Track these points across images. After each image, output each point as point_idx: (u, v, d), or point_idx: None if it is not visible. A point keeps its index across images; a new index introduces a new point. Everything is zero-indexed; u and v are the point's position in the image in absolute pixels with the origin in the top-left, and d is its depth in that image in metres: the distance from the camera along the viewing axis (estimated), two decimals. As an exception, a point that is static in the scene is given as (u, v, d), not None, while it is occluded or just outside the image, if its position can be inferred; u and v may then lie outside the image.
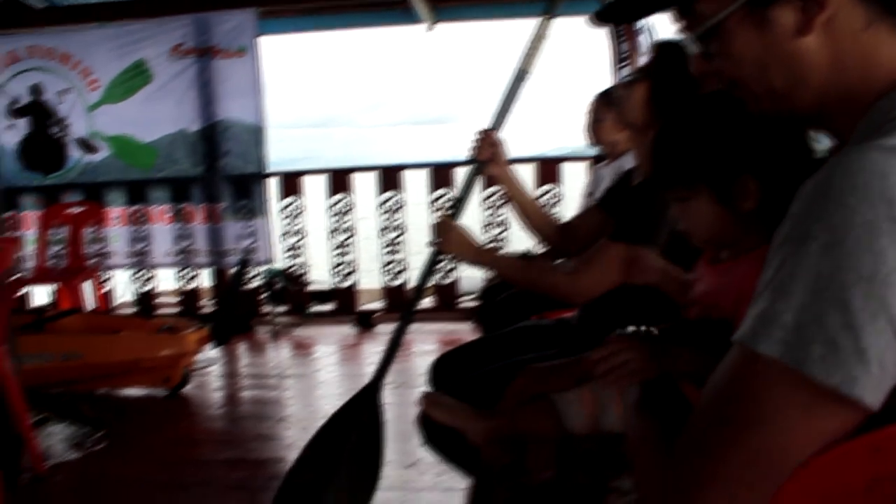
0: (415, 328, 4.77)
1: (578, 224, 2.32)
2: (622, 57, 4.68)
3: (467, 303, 4.90)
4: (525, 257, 2.92)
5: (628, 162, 2.69)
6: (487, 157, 2.07)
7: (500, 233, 5.02)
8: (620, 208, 1.95)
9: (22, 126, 5.48)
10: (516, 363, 1.65)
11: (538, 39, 2.05)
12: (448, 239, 1.92)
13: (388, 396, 1.98)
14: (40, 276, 5.11)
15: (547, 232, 2.31)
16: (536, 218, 2.30)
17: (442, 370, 2.06)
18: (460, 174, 4.94)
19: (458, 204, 2.03)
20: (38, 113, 5.45)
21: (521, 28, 3.42)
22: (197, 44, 5.01)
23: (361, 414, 1.88)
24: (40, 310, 4.29)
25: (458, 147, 2.82)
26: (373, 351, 4.58)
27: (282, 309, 5.17)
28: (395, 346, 1.98)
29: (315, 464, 1.83)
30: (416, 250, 5.05)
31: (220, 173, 5.10)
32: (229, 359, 4.42)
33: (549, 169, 4.93)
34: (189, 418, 3.57)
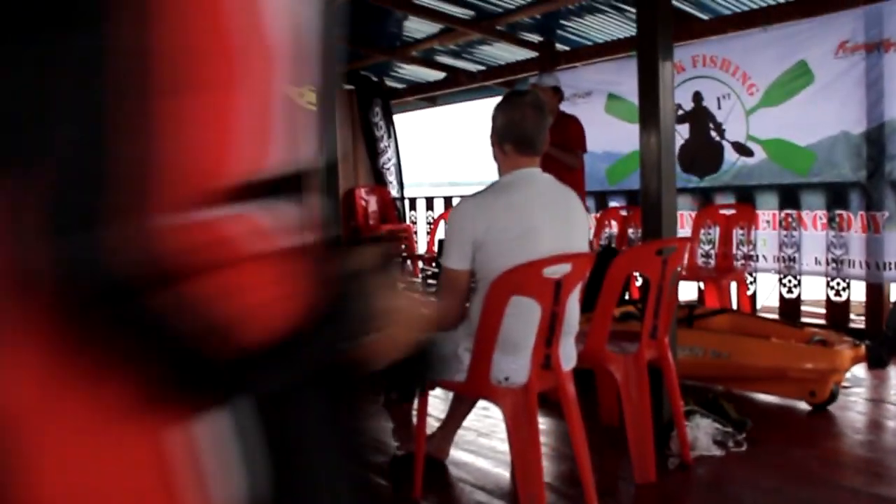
0: None
1: None
2: None
3: None
4: None
5: None
6: None
7: None
8: None
9: (682, 132, 5.87)
10: None
11: None
12: None
13: None
14: (691, 273, 5.41)
15: None
16: None
17: None
18: None
19: None
20: (698, 119, 5.76)
21: None
22: (866, 39, 4.65)
23: None
24: (691, 305, 4.51)
25: None
26: None
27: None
28: None
29: None
30: None
31: (885, 179, 4.65)
32: (879, 382, 4.02)
33: None
34: (832, 438, 3.33)
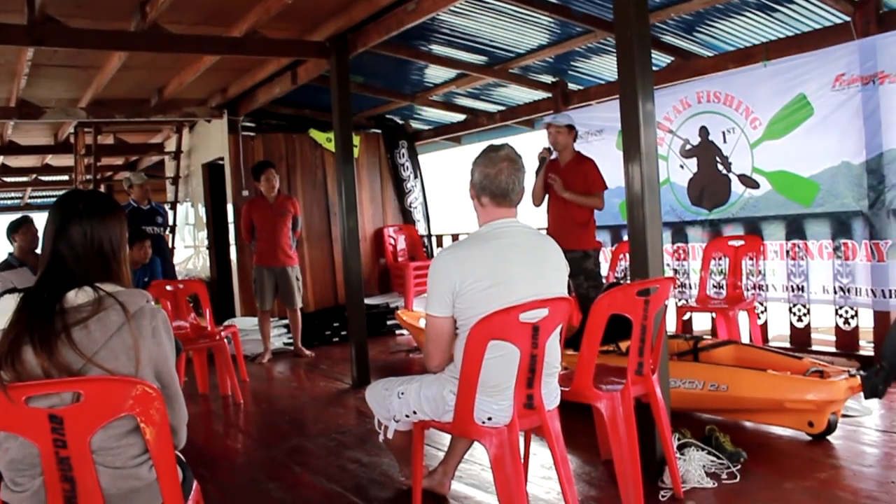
0: None
1: None
2: None
3: None
4: None
5: None
6: None
7: None
8: None
9: (691, 166, 5.97)
10: None
11: None
12: None
13: None
14: (702, 304, 5.49)
15: None
16: None
17: None
18: None
19: None
20: (705, 153, 5.86)
21: None
22: (861, 72, 4.70)
23: None
24: (697, 338, 4.59)
25: None
26: None
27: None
28: None
29: None
30: None
31: (886, 208, 4.67)
32: (888, 412, 4.05)
33: None
34: (827, 469, 3.33)
